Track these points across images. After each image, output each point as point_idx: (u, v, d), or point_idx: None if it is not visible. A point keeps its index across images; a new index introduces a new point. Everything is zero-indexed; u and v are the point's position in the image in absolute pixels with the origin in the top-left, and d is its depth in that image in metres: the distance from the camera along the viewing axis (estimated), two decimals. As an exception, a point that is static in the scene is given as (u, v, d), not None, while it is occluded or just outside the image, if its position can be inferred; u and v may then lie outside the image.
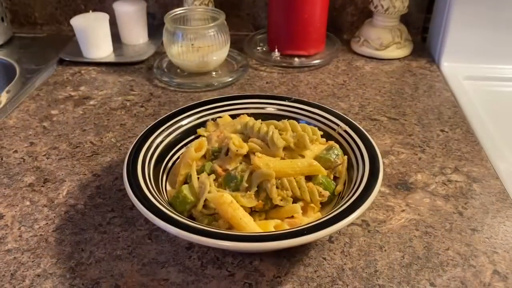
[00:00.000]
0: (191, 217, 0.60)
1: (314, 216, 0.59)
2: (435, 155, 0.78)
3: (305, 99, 0.76)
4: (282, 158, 0.62)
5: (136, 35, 1.14)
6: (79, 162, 0.77)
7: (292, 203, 0.59)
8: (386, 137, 0.82)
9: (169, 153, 0.67)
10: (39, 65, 1.07)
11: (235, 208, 0.55)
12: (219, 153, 0.65)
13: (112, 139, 0.82)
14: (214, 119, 0.73)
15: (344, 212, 0.53)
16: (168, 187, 0.65)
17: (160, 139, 0.67)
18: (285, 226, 0.57)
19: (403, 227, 0.64)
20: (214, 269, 0.57)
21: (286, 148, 0.63)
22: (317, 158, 0.63)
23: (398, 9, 1.06)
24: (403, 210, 0.67)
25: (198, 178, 0.60)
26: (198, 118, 0.72)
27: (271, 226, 0.56)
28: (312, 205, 0.60)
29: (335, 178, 0.64)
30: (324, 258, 0.59)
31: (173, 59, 1.00)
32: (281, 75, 1.03)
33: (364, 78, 1.02)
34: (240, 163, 0.62)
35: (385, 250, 0.60)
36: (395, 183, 0.72)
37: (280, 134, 0.63)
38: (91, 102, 0.93)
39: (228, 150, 0.63)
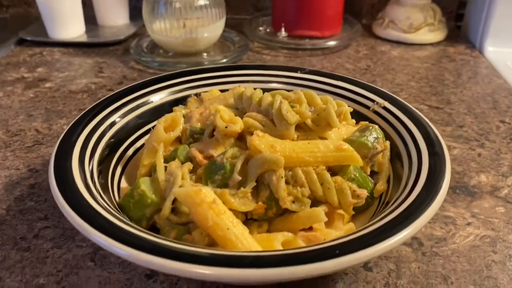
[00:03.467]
0: (153, 229, 0.39)
1: (345, 228, 0.38)
2: (499, 151, 0.57)
3: (323, 70, 0.55)
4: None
5: (115, 15, 0.95)
6: (14, 153, 0.56)
7: (311, 206, 0.38)
8: (430, 128, 0.61)
9: (128, 139, 0.47)
10: (-6, 46, 0.87)
11: (220, 211, 0.34)
12: (201, 135, 0.44)
13: (64, 127, 0.61)
14: (197, 94, 0.52)
15: (396, 222, 0.32)
16: (125, 184, 0.44)
17: (114, 119, 0.46)
18: (300, 244, 0.36)
19: (474, 247, 0.43)
20: (186, 310, 0.36)
21: (300, 127, 0.42)
22: (347, 142, 0.43)
23: (432, -18, 0.87)
24: (469, 223, 0.46)
25: (166, 168, 0.39)
26: (175, 93, 0.52)
27: (277, 242, 0.35)
28: (340, 211, 0.39)
29: (372, 174, 0.44)
30: (360, 295, 0.38)
31: (154, 36, 0.80)
32: (288, 58, 0.83)
33: (392, 63, 0.82)
34: (231, 147, 0.41)
35: (451, 283, 0.39)
36: (452, 186, 0.51)
37: (292, 107, 0.42)
38: (47, 85, 0.73)
39: (214, 130, 0.42)
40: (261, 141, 0.38)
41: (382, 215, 0.33)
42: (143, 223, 0.38)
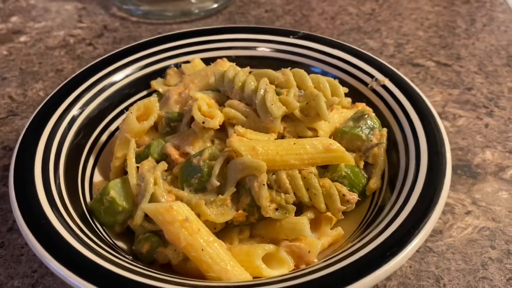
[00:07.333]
0: (129, 231, 0.37)
1: (332, 234, 0.36)
2: (508, 121, 0.53)
3: (319, 35, 0.50)
4: (281, 136, 0.37)
5: None
6: (-14, 127, 0.52)
7: (296, 213, 0.35)
8: (435, 91, 0.57)
9: (101, 122, 0.43)
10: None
11: (193, 230, 0.31)
12: (179, 123, 0.40)
13: (41, 92, 0.57)
14: (178, 65, 0.47)
15: (394, 238, 0.30)
16: (100, 178, 0.41)
17: (82, 103, 0.42)
18: (283, 256, 0.33)
19: (471, 242, 0.41)
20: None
21: (287, 117, 0.38)
22: (339, 133, 0.39)
23: None
24: (468, 212, 0.43)
25: (138, 168, 0.36)
26: (151, 64, 0.47)
27: (257, 258, 0.32)
28: (328, 214, 0.36)
29: (366, 166, 0.40)
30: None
31: (137, -22, 0.73)
32: (286, 0, 0.76)
33: (399, 5, 0.75)
34: (211, 141, 0.37)
35: (444, 285, 0.37)
36: (454, 166, 0.47)
37: (278, 94, 0.38)
38: (22, 39, 0.67)
39: (192, 119, 0.38)
40: (241, 142, 0.34)
41: (376, 231, 0.31)
42: (116, 228, 0.36)
